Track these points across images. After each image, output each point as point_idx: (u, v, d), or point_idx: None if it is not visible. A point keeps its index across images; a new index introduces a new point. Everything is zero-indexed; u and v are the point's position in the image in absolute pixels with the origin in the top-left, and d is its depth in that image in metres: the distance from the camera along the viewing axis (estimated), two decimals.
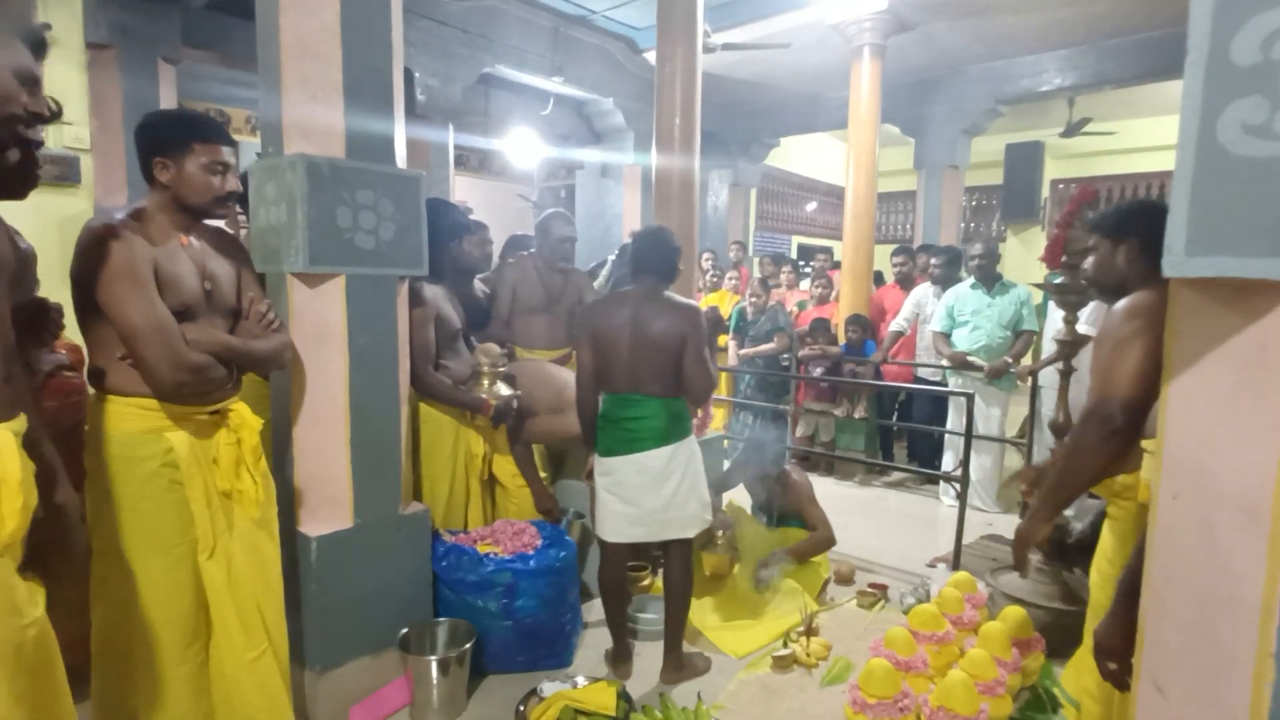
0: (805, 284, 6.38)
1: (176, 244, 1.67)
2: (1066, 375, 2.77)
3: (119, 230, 1.57)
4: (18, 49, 1.22)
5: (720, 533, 2.80)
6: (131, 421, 1.61)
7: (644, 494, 2.24)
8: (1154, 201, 1.91)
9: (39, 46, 1.27)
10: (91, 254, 1.54)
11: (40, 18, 2.82)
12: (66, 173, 3.34)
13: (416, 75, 4.74)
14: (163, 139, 1.64)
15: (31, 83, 1.24)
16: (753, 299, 5.34)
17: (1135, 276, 1.58)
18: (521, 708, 2.07)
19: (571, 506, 2.87)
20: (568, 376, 2.71)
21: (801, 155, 10.32)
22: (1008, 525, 3.97)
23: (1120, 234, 1.63)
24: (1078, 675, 1.64)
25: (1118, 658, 1.24)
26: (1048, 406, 4.07)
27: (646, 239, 2.37)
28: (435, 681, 2.11)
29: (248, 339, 1.76)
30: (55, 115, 1.73)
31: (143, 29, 3.87)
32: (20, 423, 1.23)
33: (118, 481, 1.60)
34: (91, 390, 1.67)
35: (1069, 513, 3.07)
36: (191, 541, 1.67)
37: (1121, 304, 1.51)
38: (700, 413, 2.63)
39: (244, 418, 1.75)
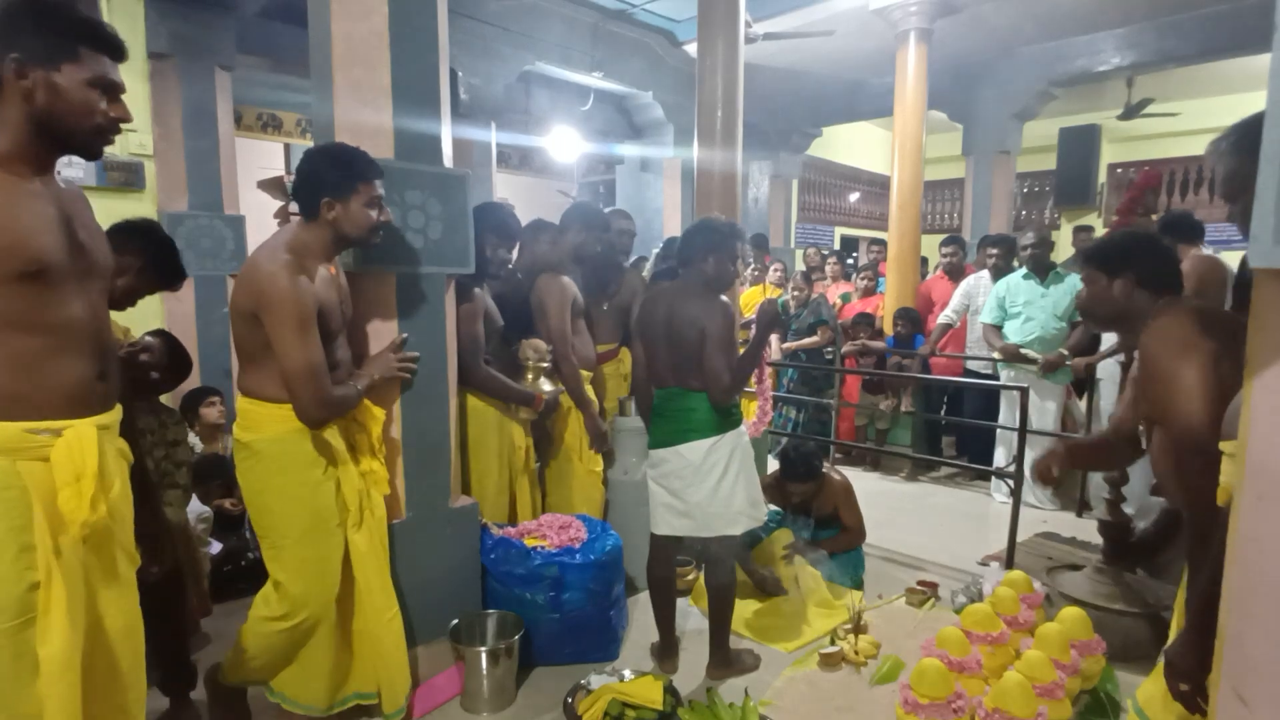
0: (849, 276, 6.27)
1: (326, 273, 1.80)
2: (1128, 368, 2.66)
3: (290, 274, 1.68)
4: (93, 59, 1.21)
5: (768, 575, 2.87)
6: (283, 424, 1.76)
7: (689, 486, 2.23)
8: (1145, 232, 1.94)
9: (116, 50, 1.26)
10: (264, 295, 1.67)
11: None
12: (131, 179, 3.49)
13: (460, 75, 4.80)
14: (333, 182, 1.76)
15: (110, 89, 1.25)
16: (795, 292, 5.27)
17: (1134, 307, 1.58)
18: (570, 699, 2.09)
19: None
20: None
21: (844, 145, 10.12)
22: (1062, 522, 3.85)
23: (1118, 268, 1.62)
24: (1164, 695, 1.48)
25: (1190, 679, 1.19)
26: (1106, 400, 3.95)
27: (686, 232, 2.38)
28: (485, 671, 2.15)
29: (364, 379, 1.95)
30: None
31: (200, 38, 4.00)
32: (112, 416, 1.31)
33: (275, 476, 1.78)
34: (245, 398, 1.80)
35: (1130, 510, 2.97)
36: (343, 517, 1.88)
37: (1153, 330, 1.47)
38: (756, 411, 2.59)
39: (370, 411, 1.95)
